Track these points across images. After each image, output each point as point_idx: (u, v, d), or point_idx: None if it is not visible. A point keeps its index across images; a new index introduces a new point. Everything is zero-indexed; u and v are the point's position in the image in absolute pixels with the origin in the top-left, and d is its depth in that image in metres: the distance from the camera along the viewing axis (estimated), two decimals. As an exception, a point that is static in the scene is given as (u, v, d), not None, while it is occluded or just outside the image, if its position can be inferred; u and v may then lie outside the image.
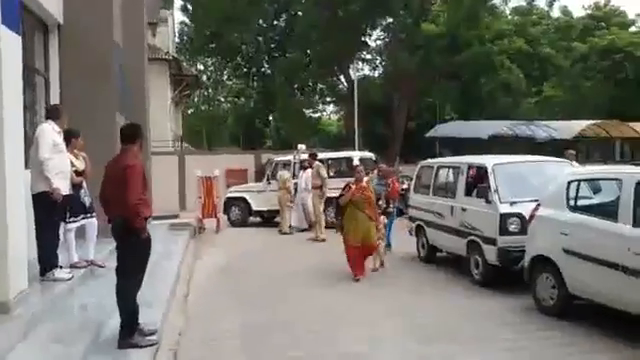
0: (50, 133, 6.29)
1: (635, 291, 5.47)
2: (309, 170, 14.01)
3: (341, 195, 9.16)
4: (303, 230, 14.32)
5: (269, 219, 16.17)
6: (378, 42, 34.55)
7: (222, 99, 48.43)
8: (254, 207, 16.11)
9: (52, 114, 6.64)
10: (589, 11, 36.53)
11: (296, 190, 14.52)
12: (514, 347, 5.62)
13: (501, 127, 21.59)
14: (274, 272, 9.67)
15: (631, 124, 22.25)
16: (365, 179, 9.61)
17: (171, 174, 20.05)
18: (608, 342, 5.63)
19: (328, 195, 13.46)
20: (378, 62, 35.85)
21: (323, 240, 12.75)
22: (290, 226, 14.56)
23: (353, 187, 9.00)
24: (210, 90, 45.92)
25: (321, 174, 13.29)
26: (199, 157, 21.89)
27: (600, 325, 6.04)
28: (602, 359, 5.28)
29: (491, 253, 7.90)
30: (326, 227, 13.11)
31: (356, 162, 14.94)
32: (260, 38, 36.27)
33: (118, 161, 5.19)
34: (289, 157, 16.21)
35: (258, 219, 16.49)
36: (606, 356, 5.33)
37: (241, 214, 16.24)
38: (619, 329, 5.85)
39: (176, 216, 15.30)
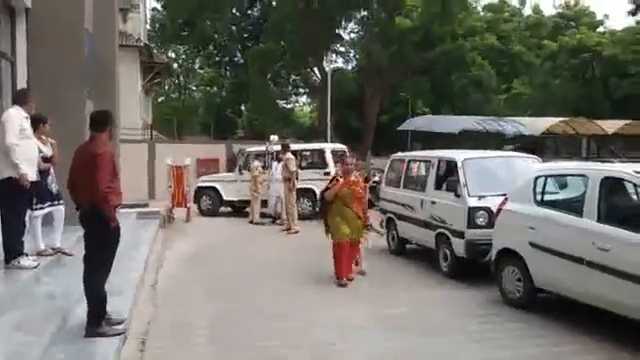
0: (17, 118, 6.13)
1: (599, 285, 5.61)
2: (281, 163, 13.91)
3: (327, 189, 8.30)
4: (274, 220, 14.33)
5: (240, 209, 16.11)
6: (352, 35, 34.66)
7: (193, 88, 47.99)
8: (225, 197, 16.02)
9: (19, 99, 6.47)
10: (560, 10, 37.14)
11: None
12: (482, 338, 5.72)
13: (471, 122, 21.84)
14: (245, 262, 9.66)
15: (597, 122, 22.75)
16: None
17: (141, 162, 19.80)
18: (575, 334, 5.76)
19: (301, 186, 13.47)
20: (352, 55, 35.98)
21: (296, 232, 12.73)
22: (274, 215, 14.50)
23: (341, 180, 8.19)
24: (181, 78, 45.42)
25: (289, 167, 12.99)
26: (169, 146, 21.68)
27: (567, 318, 6.17)
28: (569, 350, 5.39)
29: (459, 246, 8.01)
30: (300, 219, 13.12)
31: (328, 154, 14.97)
32: (233, 27, 36.02)
33: (87, 148, 5.11)
34: (263, 147, 16.15)
35: (229, 209, 16.42)
36: (573, 347, 5.46)
37: (212, 204, 16.14)
38: (585, 322, 5.98)
39: (145, 205, 15.11)
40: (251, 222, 14.40)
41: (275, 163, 14.31)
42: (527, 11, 38.38)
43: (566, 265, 5.99)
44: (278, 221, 14.13)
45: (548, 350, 5.38)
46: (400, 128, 24.34)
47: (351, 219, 8.02)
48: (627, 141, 24.27)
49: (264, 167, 15.04)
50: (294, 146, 15.31)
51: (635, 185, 5.74)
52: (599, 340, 5.57)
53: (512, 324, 6.16)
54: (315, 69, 32.77)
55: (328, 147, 15.99)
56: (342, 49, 35.61)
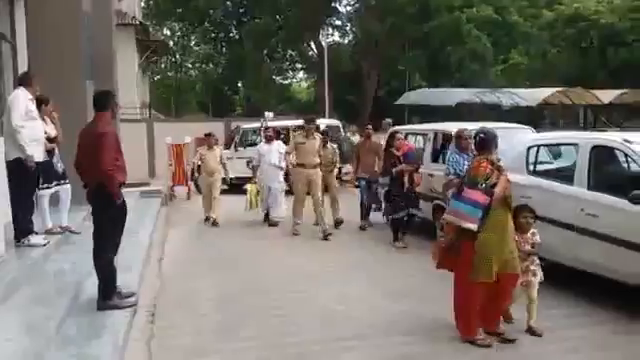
0: (23, 100, 6.29)
1: (589, 251, 5.81)
2: (276, 143, 11.22)
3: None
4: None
5: (238, 186, 16.21)
6: (348, 8, 34.44)
7: (190, 65, 47.77)
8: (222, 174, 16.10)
9: (24, 81, 6.61)
10: (556, -21, 36.77)
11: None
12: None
13: (468, 95, 21.90)
14: (246, 237, 9.88)
15: (594, 91, 22.79)
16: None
17: (139, 142, 19.86)
18: (585, 306, 5.82)
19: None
20: (348, 29, 35.78)
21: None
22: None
23: (501, 176, 4.89)
24: (177, 56, 45.19)
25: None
26: (167, 125, 21.74)
27: (577, 289, 6.20)
28: (582, 322, 5.45)
29: (456, 216, 8.16)
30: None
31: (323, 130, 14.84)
32: (228, 2, 35.75)
33: (91, 128, 5.28)
34: (258, 124, 16.17)
35: (225, 187, 16.49)
36: (586, 319, 5.51)
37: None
38: (595, 292, 6.02)
39: (147, 184, 15.30)
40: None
41: (264, 144, 11.30)
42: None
43: (558, 232, 6.17)
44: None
45: (559, 322, 5.39)
46: (397, 102, 24.41)
47: (509, 238, 4.95)
48: (623, 110, 24.36)
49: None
50: (288, 122, 15.22)
51: (624, 153, 5.92)
52: (613, 310, 5.61)
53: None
54: (312, 44, 32.66)
55: (323, 122, 15.99)
56: (338, 23, 35.43)
